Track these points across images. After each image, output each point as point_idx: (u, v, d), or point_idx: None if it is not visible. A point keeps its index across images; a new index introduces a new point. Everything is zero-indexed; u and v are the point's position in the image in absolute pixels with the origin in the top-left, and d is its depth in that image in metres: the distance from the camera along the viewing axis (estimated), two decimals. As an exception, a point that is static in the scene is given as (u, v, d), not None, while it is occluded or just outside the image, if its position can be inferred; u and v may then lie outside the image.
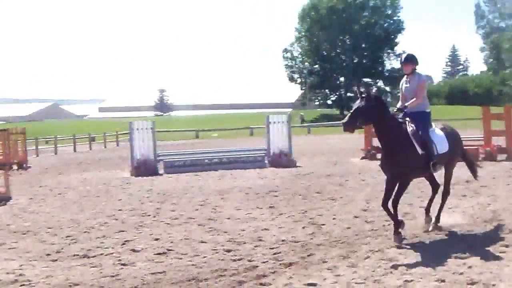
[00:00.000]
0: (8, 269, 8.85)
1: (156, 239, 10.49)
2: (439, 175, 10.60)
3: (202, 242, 10.15)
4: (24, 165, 30.14)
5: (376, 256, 8.68)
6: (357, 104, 9.52)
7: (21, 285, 7.91)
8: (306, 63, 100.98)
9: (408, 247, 9.12)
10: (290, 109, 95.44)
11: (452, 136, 10.46)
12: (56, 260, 9.33)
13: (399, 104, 10.40)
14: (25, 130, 33.68)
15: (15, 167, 28.67)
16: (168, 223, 12.06)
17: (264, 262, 8.66)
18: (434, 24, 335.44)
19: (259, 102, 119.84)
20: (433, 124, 10.43)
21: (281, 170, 21.88)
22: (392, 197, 9.71)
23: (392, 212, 9.65)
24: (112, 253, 9.53)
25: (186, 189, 17.36)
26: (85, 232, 11.54)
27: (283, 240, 10.03)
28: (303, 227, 10.91)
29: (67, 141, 51.13)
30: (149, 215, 13.13)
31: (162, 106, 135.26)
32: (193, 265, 8.63)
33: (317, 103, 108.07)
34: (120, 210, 14.09)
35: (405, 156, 9.61)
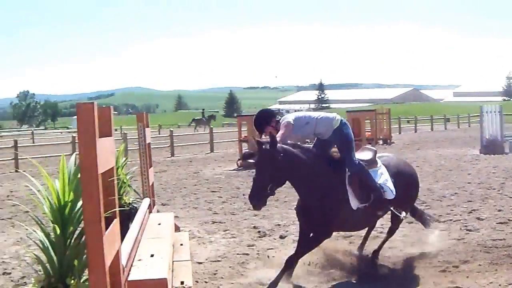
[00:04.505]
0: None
1: (499, 210, 10.28)
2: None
3: (542, 216, 9.74)
4: (388, 140, 31.19)
5: None
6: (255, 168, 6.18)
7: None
8: None
9: None
10: None
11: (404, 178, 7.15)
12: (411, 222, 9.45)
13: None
14: (390, 111, 34.26)
15: (380, 142, 29.89)
16: (511, 197, 11.67)
17: None
18: None
19: None
20: (378, 161, 6.93)
21: None
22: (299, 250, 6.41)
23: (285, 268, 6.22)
24: (459, 220, 9.62)
25: (530, 168, 16.39)
26: (437, 200, 11.75)
27: None
28: None
29: (425, 121, 51.53)
30: (494, 189, 12.82)
31: (510, 92, 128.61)
32: (531, 235, 8.40)
33: None
34: (469, 183, 13.98)
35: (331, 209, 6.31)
